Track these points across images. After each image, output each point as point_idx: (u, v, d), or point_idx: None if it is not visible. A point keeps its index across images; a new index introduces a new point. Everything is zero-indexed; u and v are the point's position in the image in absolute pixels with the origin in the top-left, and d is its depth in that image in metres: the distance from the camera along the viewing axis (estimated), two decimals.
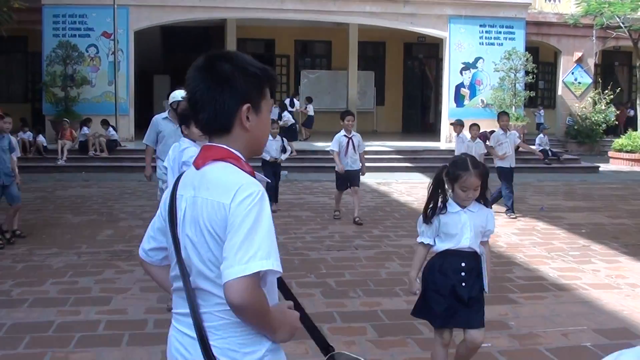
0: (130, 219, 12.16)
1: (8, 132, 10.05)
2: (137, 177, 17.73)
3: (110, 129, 21.71)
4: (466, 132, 14.01)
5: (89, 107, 22.62)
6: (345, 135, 11.90)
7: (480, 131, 22.78)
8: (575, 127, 28.27)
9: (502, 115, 13.23)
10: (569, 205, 14.75)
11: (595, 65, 29.36)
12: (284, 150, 13.15)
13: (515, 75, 24.76)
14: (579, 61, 29.01)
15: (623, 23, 25.23)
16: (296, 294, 7.11)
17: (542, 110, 29.50)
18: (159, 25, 25.19)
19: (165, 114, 8.85)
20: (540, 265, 9.05)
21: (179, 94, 8.71)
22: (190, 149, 6.58)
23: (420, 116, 32.60)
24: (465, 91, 25.62)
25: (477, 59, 25.50)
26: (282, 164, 13.35)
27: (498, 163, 12.92)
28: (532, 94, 25.86)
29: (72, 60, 22.60)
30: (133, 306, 7.02)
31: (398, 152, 22.37)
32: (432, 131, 28.96)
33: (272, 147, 12.77)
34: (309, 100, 26.57)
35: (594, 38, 28.17)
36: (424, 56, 32.26)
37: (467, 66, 25.53)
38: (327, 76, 30.05)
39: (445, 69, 25.99)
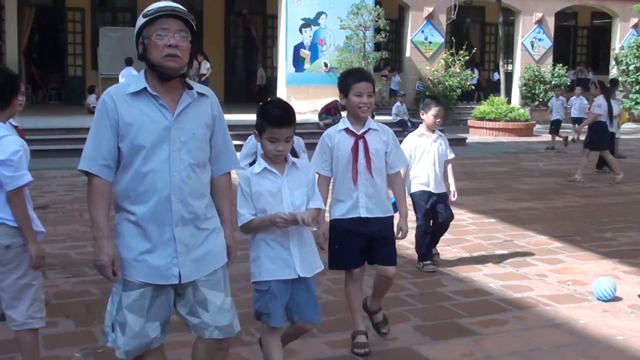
0: None
1: None
2: None
3: None
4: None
5: None
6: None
7: (330, 102, 21.87)
8: (427, 93, 27.84)
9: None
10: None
11: (448, 22, 29.06)
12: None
13: (364, 33, 23.88)
14: (430, 17, 28.59)
15: None
16: (167, 343, 5.39)
17: (397, 75, 28.92)
18: None
19: None
20: (471, 272, 7.95)
21: None
22: (9, 139, 4.72)
23: (245, 83, 31.21)
24: (305, 53, 24.51)
25: (319, 14, 24.44)
26: None
27: None
28: (386, 54, 25.14)
29: None
30: None
31: (233, 126, 20.83)
32: (260, 101, 27.60)
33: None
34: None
35: None
36: (249, 12, 30.87)
37: (307, 23, 24.42)
38: (132, 34, 27.67)
39: (281, 26, 24.73)
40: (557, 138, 21.23)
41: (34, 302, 4.79)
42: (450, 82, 27.62)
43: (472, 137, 23.69)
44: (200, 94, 4.01)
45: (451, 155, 8.23)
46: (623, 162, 17.61)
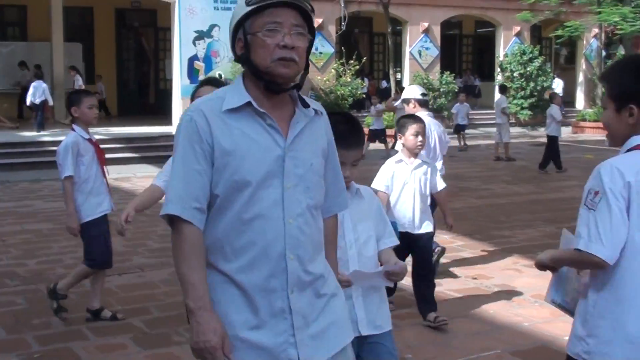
0: None
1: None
2: None
3: None
4: None
5: None
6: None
7: None
8: (319, 102, 28.28)
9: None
10: None
11: (338, 33, 29.62)
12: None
13: None
14: (320, 28, 29.03)
15: None
16: (97, 346, 5.60)
17: None
18: None
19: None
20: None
21: None
22: None
23: (138, 96, 31.07)
24: (199, 65, 24.60)
25: (212, 27, 24.56)
26: None
27: None
28: None
29: None
30: None
31: (124, 140, 20.83)
32: (155, 113, 27.71)
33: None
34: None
35: (342, 1, 28.37)
36: (140, 25, 30.76)
37: (200, 35, 24.52)
38: (23, 49, 27.51)
39: (174, 39, 24.75)
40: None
41: None
42: (342, 91, 28.10)
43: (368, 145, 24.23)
44: (315, 112, 2.97)
45: (442, 186, 6.83)
46: (513, 164, 18.45)
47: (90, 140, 6.57)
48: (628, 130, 3.14)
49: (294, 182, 2.79)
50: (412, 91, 8.66)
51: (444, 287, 7.66)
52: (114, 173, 16.75)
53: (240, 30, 2.83)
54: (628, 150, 3.13)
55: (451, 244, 9.69)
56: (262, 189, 2.75)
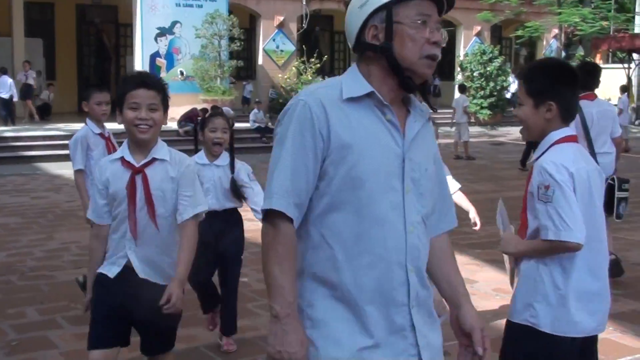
0: None
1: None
2: None
3: None
4: None
5: None
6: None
7: (190, 109, 22.12)
8: (280, 100, 28.48)
9: None
10: None
11: (299, 31, 29.83)
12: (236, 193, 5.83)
13: (219, 42, 24.31)
14: (281, 26, 29.29)
15: None
16: (72, 335, 5.74)
17: (249, 84, 29.36)
18: None
19: None
20: None
21: None
22: None
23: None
24: (161, 61, 24.71)
25: (174, 24, 24.70)
26: None
27: None
28: (241, 63, 25.58)
29: None
30: None
31: None
32: (116, 110, 27.64)
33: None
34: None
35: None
36: (101, 21, 30.75)
37: (162, 32, 24.63)
38: None
39: (136, 35, 24.84)
40: None
41: None
42: (302, 89, 28.30)
43: None
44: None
45: (456, 186, 6.10)
46: (473, 163, 18.84)
47: (101, 134, 6.65)
48: (544, 125, 3.52)
49: (410, 186, 2.53)
50: None
51: None
52: (65, 169, 16.91)
53: (378, 16, 2.51)
54: (552, 145, 3.50)
55: None
56: (382, 190, 2.48)
